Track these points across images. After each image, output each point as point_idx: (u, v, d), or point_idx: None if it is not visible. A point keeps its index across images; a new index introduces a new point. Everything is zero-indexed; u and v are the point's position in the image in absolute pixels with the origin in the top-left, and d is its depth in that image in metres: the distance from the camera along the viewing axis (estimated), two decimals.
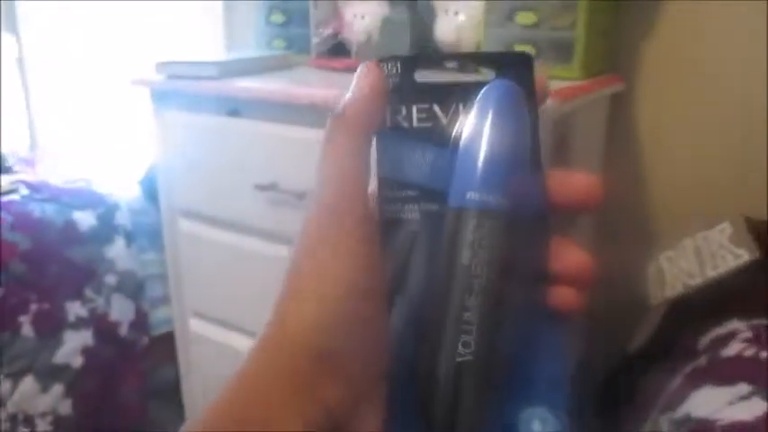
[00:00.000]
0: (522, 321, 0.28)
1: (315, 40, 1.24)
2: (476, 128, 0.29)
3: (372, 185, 0.31)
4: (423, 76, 0.31)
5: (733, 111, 1.07)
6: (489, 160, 0.28)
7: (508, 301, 0.28)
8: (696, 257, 0.97)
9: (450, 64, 0.34)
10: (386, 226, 0.29)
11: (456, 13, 1.09)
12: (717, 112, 1.08)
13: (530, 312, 0.28)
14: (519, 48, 1.02)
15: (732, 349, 0.85)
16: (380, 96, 0.30)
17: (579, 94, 0.94)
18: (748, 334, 0.87)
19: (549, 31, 1.00)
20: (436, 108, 0.30)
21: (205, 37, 1.69)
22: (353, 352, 0.27)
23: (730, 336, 0.88)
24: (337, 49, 1.23)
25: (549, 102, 0.84)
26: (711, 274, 0.95)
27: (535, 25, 1.00)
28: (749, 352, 0.83)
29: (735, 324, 0.90)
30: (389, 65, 0.31)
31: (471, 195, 0.27)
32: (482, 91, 0.29)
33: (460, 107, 0.30)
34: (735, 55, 1.05)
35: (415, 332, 0.28)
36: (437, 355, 0.27)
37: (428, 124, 0.30)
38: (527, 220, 0.28)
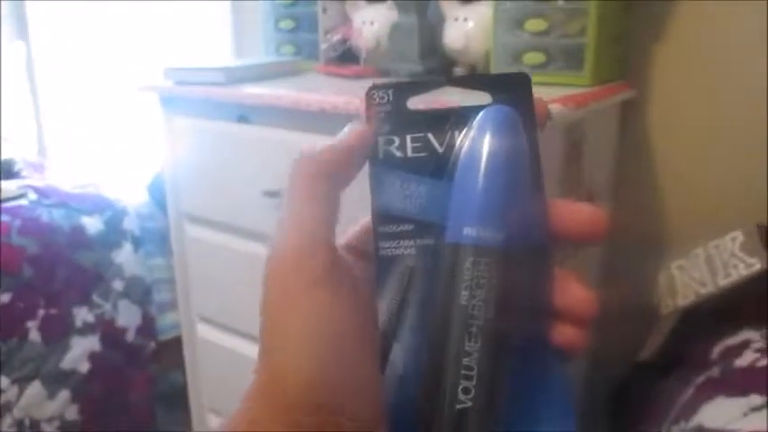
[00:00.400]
0: (524, 361, 0.27)
1: (323, 47, 1.24)
2: (471, 158, 0.27)
3: (361, 223, 0.30)
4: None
5: (745, 118, 1.06)
6: (486, 193, 0.27)
7: (509, 342, 0.26)
8: (708, 266, 0.96)
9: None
10: (382, 263, 0.28)
11: (465, 20, 1.09)
12: (728, 120, 1.08)
13: (531, 351, 0.27)
14: (529, 54, 1.01)
15: (745, 359, 0.84)
16: (352, 146, 0.29)
17: (590, 101, 0.93)
18: (761, 344, 0.86)
19: (558, 38, 0.99)
20: (431, 136, 0.29)
21: (214, 43, 1.69)
22: (349, 399, 0.26)
23: (743, 345, 0.87)
24: (346, 56, 1.23)
25: (561, 108, 0.83)
26: (723, 282, 0.94)
27: (545, 32, 1.00)
28: (762, 362, 0.82)
29: (747, 334, 0.89)
30: (380, 93, 0.30)
31: (468, 231, 0.26)
32: (477, 117, 0.28)
33: (456, 134, 0.29)
34: (746, 62, 1.04)
35: (415, 376, 0.27)
36: (437, 401, 0.26)
37: (423, 154, 0.29)
38: (527, 253, 0.27)
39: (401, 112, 0.29)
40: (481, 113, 0.28)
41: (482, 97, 0.29)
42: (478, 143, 0.28)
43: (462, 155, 0.28)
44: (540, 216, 0.28)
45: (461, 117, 0.29)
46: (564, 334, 0.27)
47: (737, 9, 1.03)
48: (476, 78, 0.30)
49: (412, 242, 0.28)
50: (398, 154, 0.29)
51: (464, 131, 0.28)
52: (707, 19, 1.06)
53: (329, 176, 0.28)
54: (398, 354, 0.27)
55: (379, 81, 0.30)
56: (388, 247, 0.28)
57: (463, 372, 0.26)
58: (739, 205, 1.06)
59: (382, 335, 0.27)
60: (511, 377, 0.27)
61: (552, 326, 0.27)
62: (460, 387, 0.26)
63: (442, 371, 0.26)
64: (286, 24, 1.32)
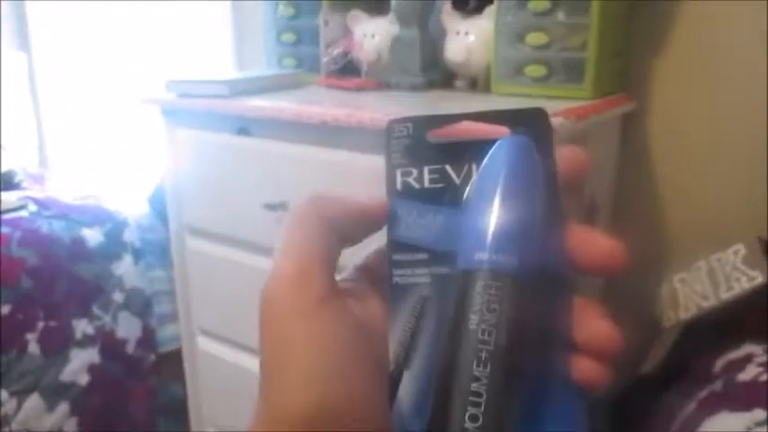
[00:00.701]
0: (538, 393, 0.26)
1: (325, 59, 1.24)
2: (485, 185, 0.27)
3: (377, 247, 0.30)
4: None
5: (745, 130, 1.06)
6: (499, 219, 0.26)
7: (521, 371, 0.25)
8: (710, 279, 0.96)
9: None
10: (396, 292, 0.28)
11: (466, 34, 1.09)
12: (728, 131, 1.08)
13: (546, 383, 0.26)
14: (530, 67, 1.01)
15: (748, 374, 0.84)
16: (363, 207, 0.29)
17: (591, 113, 0.93)
18: (764, 358, 0.85)
19: (559, 52, 1.00)
20: (448, 168, 0.29)
21: (216, 55, 1.70)
22: (354, 429, 0.25)
23: (746, 359, 0.86)
24: (348, 68, 1.23)
25: (562, 121, 0.83)
26: (725, 296, 0.93)
27: (546, 46, 1.00)
28: (765, 376, 0.81)
29: (750, 347, 0.89)
30: (400, 127, 0.30)
31: (479, 256, 0.26)
32: (493, 147, 0.28)
33: (473, 167, 0.29)
34: (747, 75, 1.04)
35: (425, 405, 0.26)
36: (444, 429, 0.25)
37: (440, 185, 0.29)
38: (544, 282, 0.26)
39: (420, 144, 0.30)
40: (496, 143, 0.28)
41: (501, 131, 0.29)
42: (492, 171, 0.28)
43: (476, 183, 0.28)
44: (558, 244, 0.27)
45: (479, 149, 0.29)
46: (583, 369, 0.26)
47: (737, 22, 1.03)
48: (494, 114, 0.30)
49: (427, 270, 0.28)
50: (416, 185, 0.29)
51: (481, 163, 0.29)
52: (707, 32, 1.06)
53: (330, 221, 0.28)
54: (408, 382, 0.27)
55: (399, 116, 0.31)
56: (403, 275, 0.28)
57: (471, 398, 0.24)
58: (741, 217, 1.06)
59: (393, 363, 0.27)
60: (523, 407, 0.25)
61: (571, 359, 0.26)
62: (468, 414, 0.24)
63: (449, 397, 0.25)
64: (288, 37, 1.32)
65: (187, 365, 1.39)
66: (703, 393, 0.86)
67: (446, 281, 0.27)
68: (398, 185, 0.30)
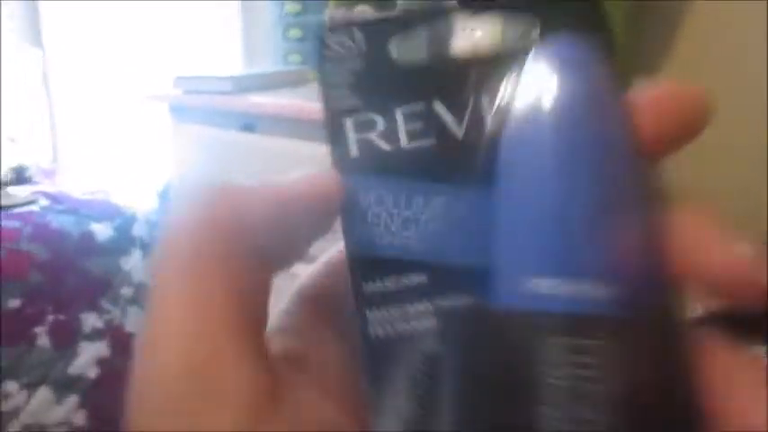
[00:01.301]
0: None
1: None
2: (524, 139, 0.15)
3: (329, 260, 0.18)
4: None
5: (733, 133, 1.05)
6: (574, 210, 0.15)
7: None
8: None
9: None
10: (374, 351, 0.15)
11: (473, 30, 1.09)
12: (714, 133, 1.06)
13: None
14: None
15: None
16: (300, 199, 0.16)
17: None
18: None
19: None
20: (439, 108, 0.17)
21: (223, 52, 1.71)
22: None
23: None
24: None
25: None
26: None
27: None
28: None
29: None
30: (343, 38, 0.17)
31: (545, 285, 0.14)
32: (531, 66, 0.16)
33: (485, 101, 0.16)
34: (734, 76, 1.04)
35: None
36: None
37: (428, 142, 0.16)
38: (654, 318, 0.15)
39: (382, 67, 0.17)
40: (531, 55, 0.16)
41: (521, 32, 0.17)
42: (533, 110, 0.15)
43: (510, 138, 0.15)
44: (658, 246, 0.15)
45: (495, 67, 0.17)
46: None
47: (723, 23, 1.03)
48: (504, 3, 0.15)
49: (428, 305, 0.15)
50: (384, 146, 0.16)
51: (502, 94, 0.16)
52: (699, 34, 1.06)
53: (245, 236, 0.15)
54: None
55: (340, 17, 0.19)
56: (385, 321, 0.15)
57: None
58: (740, 218, 1.04)
59: None
60: None
61: None
62: None
63: None
64: (294, 34, 1.33)
65: None
66: None
67: (471, 322, 0.15)
68: (352, 148, 0.16)
